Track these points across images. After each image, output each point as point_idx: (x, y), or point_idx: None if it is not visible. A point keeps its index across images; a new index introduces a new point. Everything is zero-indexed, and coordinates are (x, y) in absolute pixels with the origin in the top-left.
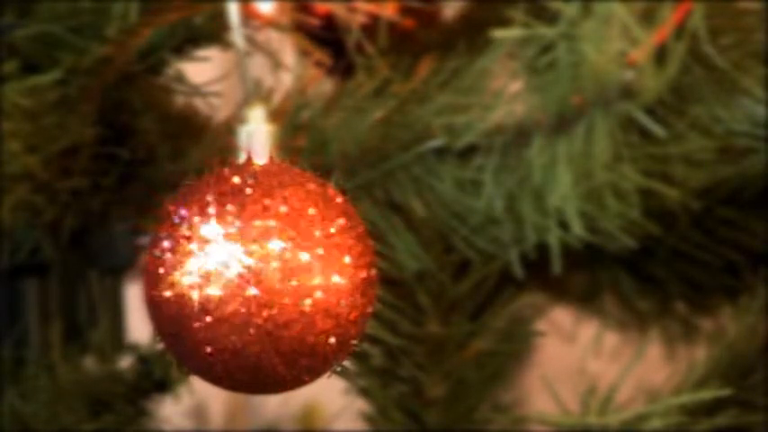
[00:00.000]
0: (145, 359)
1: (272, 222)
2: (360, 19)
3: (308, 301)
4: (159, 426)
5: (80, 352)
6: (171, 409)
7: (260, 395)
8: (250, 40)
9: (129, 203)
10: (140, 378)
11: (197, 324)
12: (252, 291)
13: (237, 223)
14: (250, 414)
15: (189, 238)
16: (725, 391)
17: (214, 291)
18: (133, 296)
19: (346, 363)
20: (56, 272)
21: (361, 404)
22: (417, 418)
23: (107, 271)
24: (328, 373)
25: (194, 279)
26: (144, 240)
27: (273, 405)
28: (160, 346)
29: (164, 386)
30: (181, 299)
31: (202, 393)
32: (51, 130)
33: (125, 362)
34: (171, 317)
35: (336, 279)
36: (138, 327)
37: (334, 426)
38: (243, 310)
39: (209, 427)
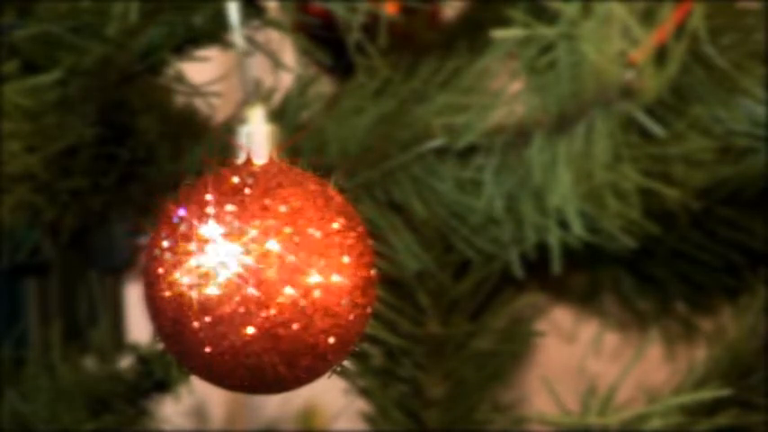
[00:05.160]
0: (145, 359)
1: (271, 222)
2: (360, 19)
3: (307, 301)
4: (159, 426)
5: (80, 352)
6: (171, 409)
7: (260, 395)
8: (250, 40)
9: (129, 203)
10: (140, 378)
11: (196, 324)
12: (251, 290)
13: (236, 223)
14: (250, 414)
15: (188, 238)
16: (725, 391)
17: (213, 290)
18: (133, 296)
19: (346, 363)
20: (56, 272)
21: (361, 404)
22: (417, 418)
23: (107, 271)
24: (328, 373)
25: (193, 279)
26: (144, 240)
27: (273, 405)
28: (160, 346)
29: (164, 386)
30: (180, 299)
31: (202, 393)
32: (51, 130)
33: (125, 362)
34: (170, 317)
35: (336, 278)
36: (138, 327)
37: (334, 426)
38: (242, 309)
39: (209, 427)
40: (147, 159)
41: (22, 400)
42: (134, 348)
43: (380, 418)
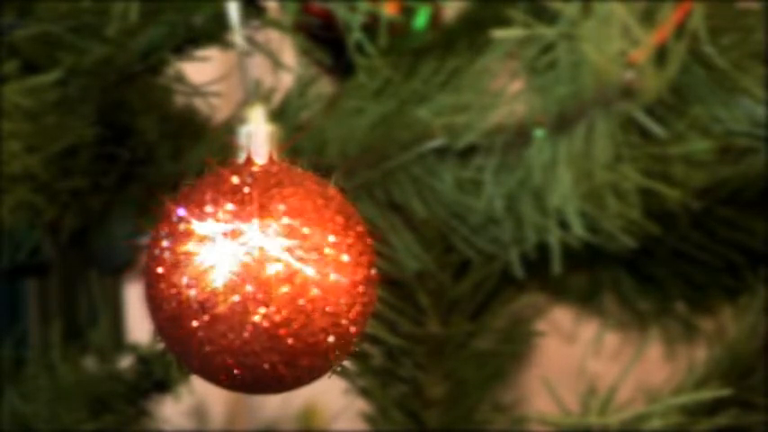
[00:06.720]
0: (145, 359)
1: (270, 221)
2: (360, 19)
3: (306, 300)
4: (159, 426)
5: (80, 352)
6: (171, 409)
7: (260, 395)
8: (250, 40)
9: (129, 203)
10: (140, 378)
11: (196, 323)
12: (249, 289)
13: (236, 222)
14: (250, 414)
15: (187, 237)
16: (725, 391)
17: (212, 289)
18: (133, 296)
19: (346, 363)
20: (56, 272)
21: (361, 404)
22: (417, 418)
23: (107, 271)
24: (328, 373)
25: (193, 278)
26: (144, 240)
27: (273, 405)
28: (160, 346)
29: (164, 386)
30: (180, 298)
31: (202, 393)
32: (51, 130)
33: (125, 362)
34: (170, 316)
35: (335, 277)
36: (138, 327)
37: (334, 426)
38: (241, 308)
39: (209, 427)
40: (147, 159)
41: (22, 400)
42: (134, 348)
43: (380, 418)
